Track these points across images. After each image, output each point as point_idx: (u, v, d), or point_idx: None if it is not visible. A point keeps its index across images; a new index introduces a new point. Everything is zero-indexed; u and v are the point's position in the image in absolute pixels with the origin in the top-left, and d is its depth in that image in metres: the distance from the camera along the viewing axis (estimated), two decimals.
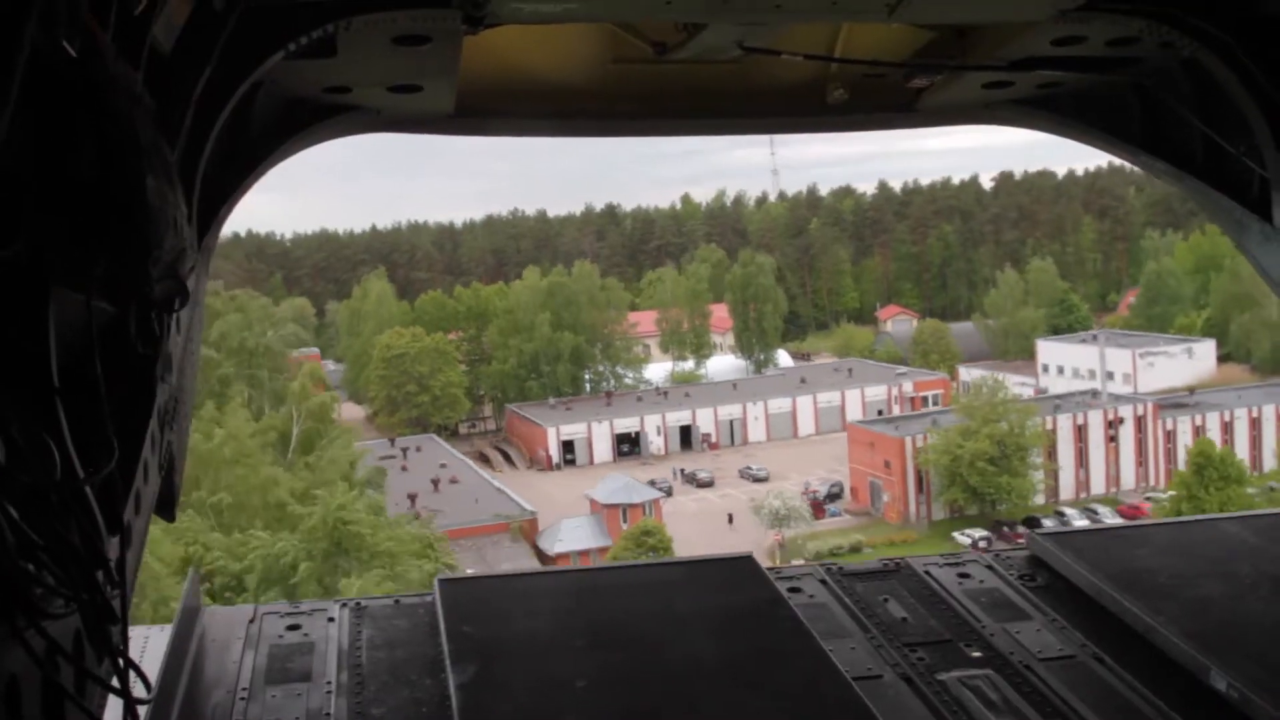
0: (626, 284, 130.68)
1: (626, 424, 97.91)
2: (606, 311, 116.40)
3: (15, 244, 2.19)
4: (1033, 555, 5.86)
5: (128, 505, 2.94)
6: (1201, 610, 5.00)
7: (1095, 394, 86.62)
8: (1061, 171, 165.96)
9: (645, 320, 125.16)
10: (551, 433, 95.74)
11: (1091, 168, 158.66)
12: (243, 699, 4.53)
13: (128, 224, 2.56)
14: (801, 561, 73.21)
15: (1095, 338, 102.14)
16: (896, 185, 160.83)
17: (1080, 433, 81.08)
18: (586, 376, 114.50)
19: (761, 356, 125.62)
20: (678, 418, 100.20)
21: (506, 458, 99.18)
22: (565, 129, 6.13)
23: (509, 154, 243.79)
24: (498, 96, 5.66)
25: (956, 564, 5.79)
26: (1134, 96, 5.78)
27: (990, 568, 5.74)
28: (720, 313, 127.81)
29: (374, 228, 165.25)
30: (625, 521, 67.73)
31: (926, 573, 5.68)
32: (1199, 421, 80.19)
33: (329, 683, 4.62)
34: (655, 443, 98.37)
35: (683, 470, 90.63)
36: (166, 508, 3.84)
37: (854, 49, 5.62)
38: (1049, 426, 79.22)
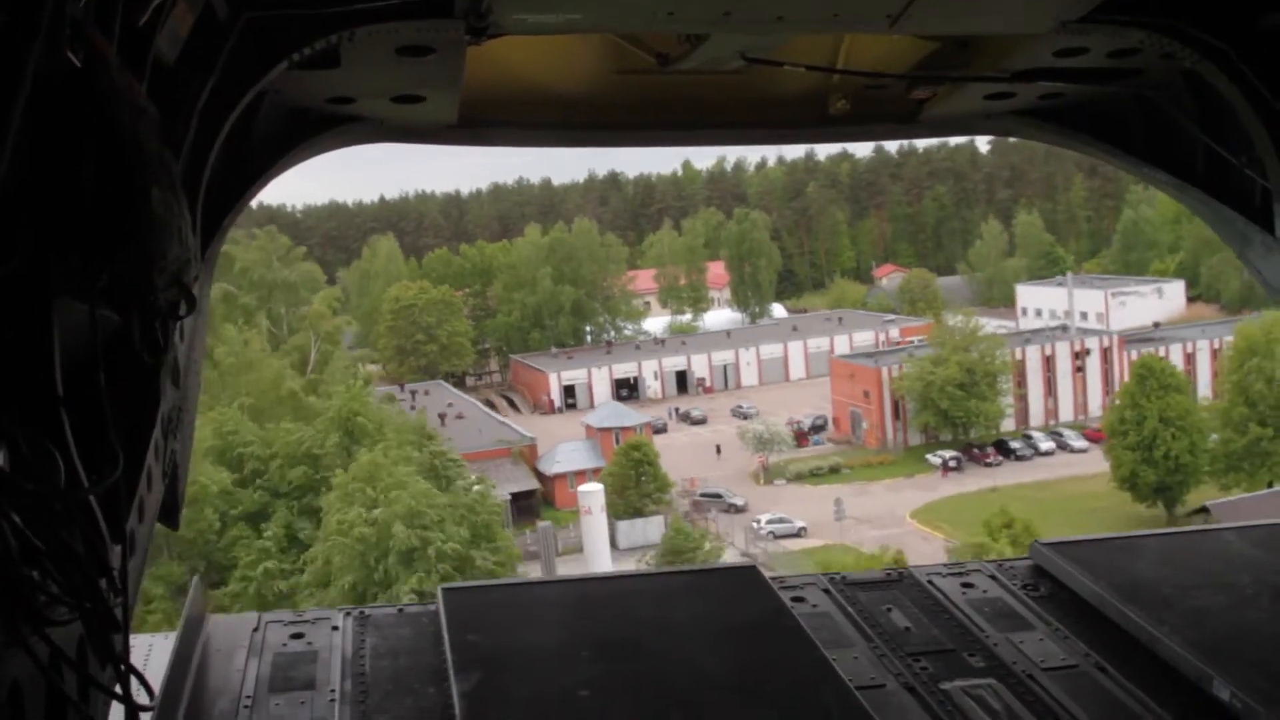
0: (629, 247, 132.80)
1: (625, 369, 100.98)
2: (606, 266, 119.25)
3: (19, 254, 2.22)
4: (1036, 565, 5.85)
5: (131, 513, 2.95)
6: (1204, 620, 4.99)
7: (1064, 329, 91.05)
8: None
9: (644, 278, 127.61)
10: (553, 378, 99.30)
11: None
12: (246, 707, 4.53)
13: (132, 234, 2.56)
14: (783, 481, 79.00)
15: (1069, 280, 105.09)
16: (893, 149, 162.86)
17: (1049, 363, 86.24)
18: (588, 329, 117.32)
19: (757, 309, 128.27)
20: (674, 363, 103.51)
21: (511, 404, 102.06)
22: (568, 139, 6.11)
23: None
24: (500, 107, 5.65)
25: (960, 573, 5.81)
26: (1135, 108, 5.73)
27: (993, 577, 5.75)
28: (717, 270, 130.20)
29: (382, 198, 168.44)
30: (618, 444, 71.24)
31: (929, 582, 5.68)
32: (1162, 353, 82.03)
33: (333, 691, 4.62)
34: (653, 387, 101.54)
35: (677, 410, 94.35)
36: (170, 515, 3.83)
37: (856, 60, 5.59)
38: (1019, 357, 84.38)
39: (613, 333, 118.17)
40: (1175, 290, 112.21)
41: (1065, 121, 5.95)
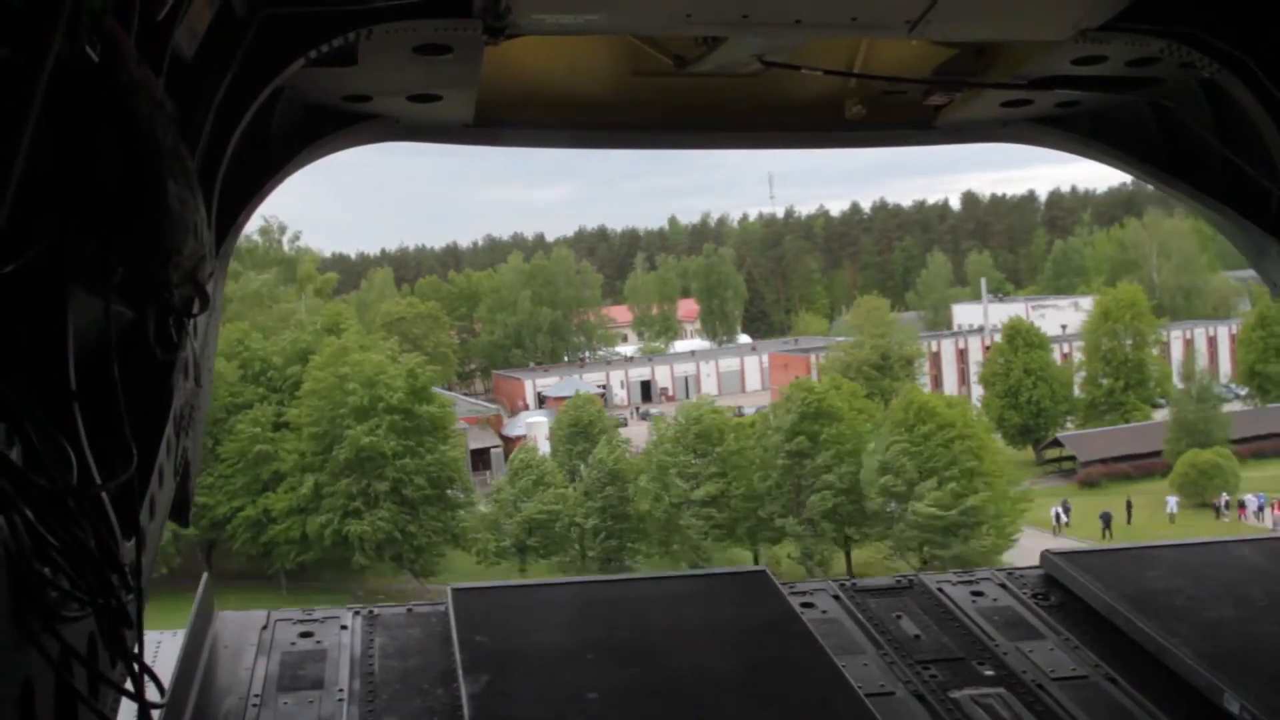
0: (609, 281, 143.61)
1: (595, 378, 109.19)
2: (582, 291, 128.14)
3: (35, 248, 2.17)
4: (1046, 574, 5.80)
5: (143, 510, 2.87)
6: (1215, 632, 4.96)
7: (980, 330, 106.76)
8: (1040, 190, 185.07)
9: (621, 312, 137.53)
10: (529, 384, 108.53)
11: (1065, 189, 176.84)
12: (255, 705, 4.49)
13: (148, 228, 2.53)
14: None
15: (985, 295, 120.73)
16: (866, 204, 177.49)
17: (962, 355, 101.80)
18: (565, 352, 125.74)
19: (724, 338, 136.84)
20: (640, 374, 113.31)
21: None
22: (584, 140, 6.11)
23: (511, 180, 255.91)
24: (517, 107, 5.60)
25: (969, 581, 5.78)
26: (1152, 117, 5.66)
27: (1004, 586, 5.71)
28: (689, 306, 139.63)
29: (383, 250, 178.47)
30: None
31: (939, 590, 5.64)
32: (1065, 349, 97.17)
33: (341, 690, 4.60)
34: (619, 395, 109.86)
35: (638, 409, 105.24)
36: (181, 512, 3.78)
37: (873, 65, 5.54)
38: (934, 349, 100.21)
39: (588, 353, 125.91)
40: (1089, 304, 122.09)
41: (1082, 130, 5.89)
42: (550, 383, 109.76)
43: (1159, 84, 5.25)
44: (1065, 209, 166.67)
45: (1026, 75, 5.22)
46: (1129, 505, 70.31)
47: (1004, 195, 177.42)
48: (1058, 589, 5.66)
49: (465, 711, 4.23)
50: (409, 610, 5.37)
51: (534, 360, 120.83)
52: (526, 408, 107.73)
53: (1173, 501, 69.73)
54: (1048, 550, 6.02)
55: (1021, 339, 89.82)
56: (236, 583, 60.67)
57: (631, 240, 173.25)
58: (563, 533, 65.95)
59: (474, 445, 79.12)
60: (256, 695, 4.57)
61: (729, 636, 4.99)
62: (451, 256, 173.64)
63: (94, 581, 2.16)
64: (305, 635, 5.07)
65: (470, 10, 4.11)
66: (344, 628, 5.13)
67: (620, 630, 5.04)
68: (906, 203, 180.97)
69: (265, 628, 5.11)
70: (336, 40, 4.12)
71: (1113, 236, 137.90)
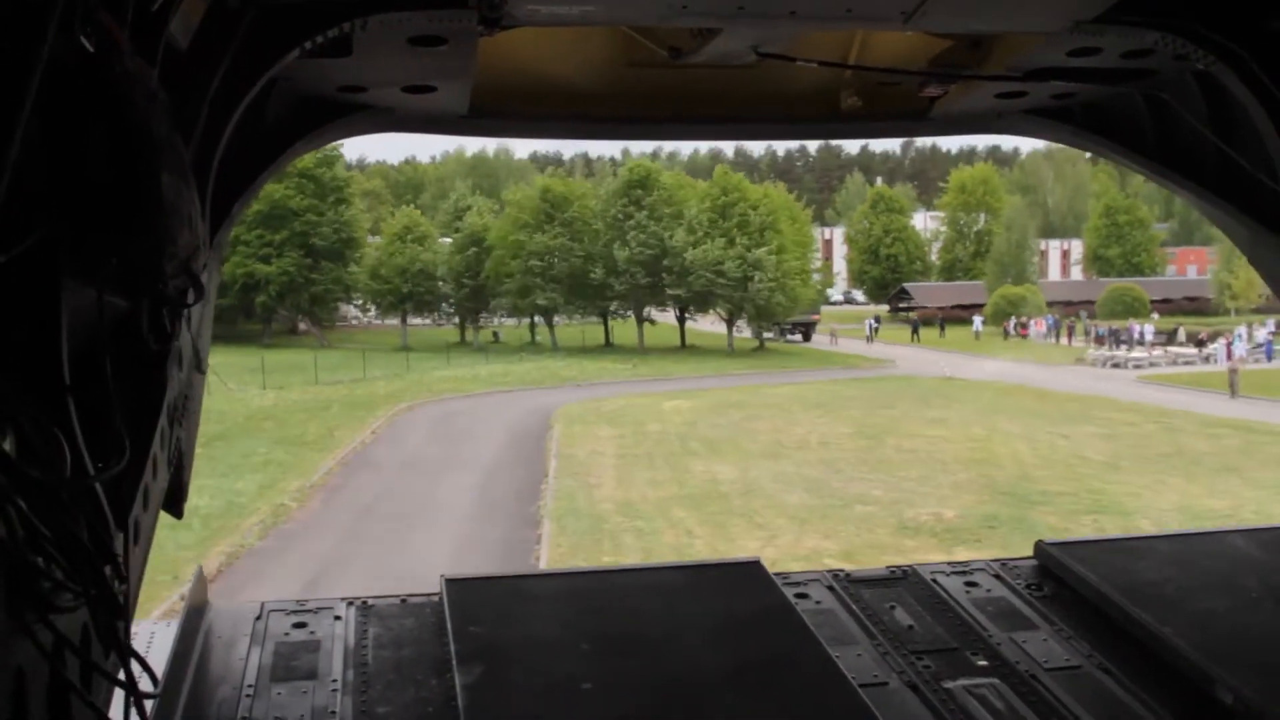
0: None
1: None
2: None
3: (29, 239, 2.16)
4: (1040, 565, 5.81)
5: (136, 501, 2.88)
6: (1209, 622, 4.97)
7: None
8: None
9: None
10: None
11: None
12: (248, 696, 4.50)
13: (142, 220, 2.53)
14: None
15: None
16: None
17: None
18: None
19: None
20: None
21: None
22: (578, 131, 6.16)
23: None
24: (512, 98, 5.63)
25: (964, 572, 5.82)
26: (1147, 108, 5.66)
27: (998, 576, 5.74)
28: None
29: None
30: None
31: (933, 580, 5.67)
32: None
33: (335, 681, 4.61)
34: None
35: None
36: (175, 504, 3.80)
37: (869, 56, 5.55)
38: (826, 237, 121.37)
39: None
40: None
41: (1076, 121, 5.94)
42: None
43: (1153, 76, 5.28)
44: (999, 159, 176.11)
45: (1021, 67, 5.25)
46: (941, 323, 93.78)
47: (948, 150, 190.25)
48: (1051, 579, 5.68)
49: (459, 702, 4.23)
50: (403, 601, 5.38)
51: None
52: None
53: (978, 322, 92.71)
54: (1041, 540, 6.04)
55: (884, 204, 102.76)
56: None
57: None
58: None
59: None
60: (250, 686, 4.57)
61: (723, 627, 5.01)
62: None
63: (87, 572, 2.16)
64: (299, 625, 5.08)
65: (465, 1, 4.10)
66: (338, 618, 5.14)
67: (614, 621, 5.08)
68: (853, 148, 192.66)
69: (259, 618, 5.14)
70: (331, 31, 4.11)
71: (1017, 166, 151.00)
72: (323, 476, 34.85)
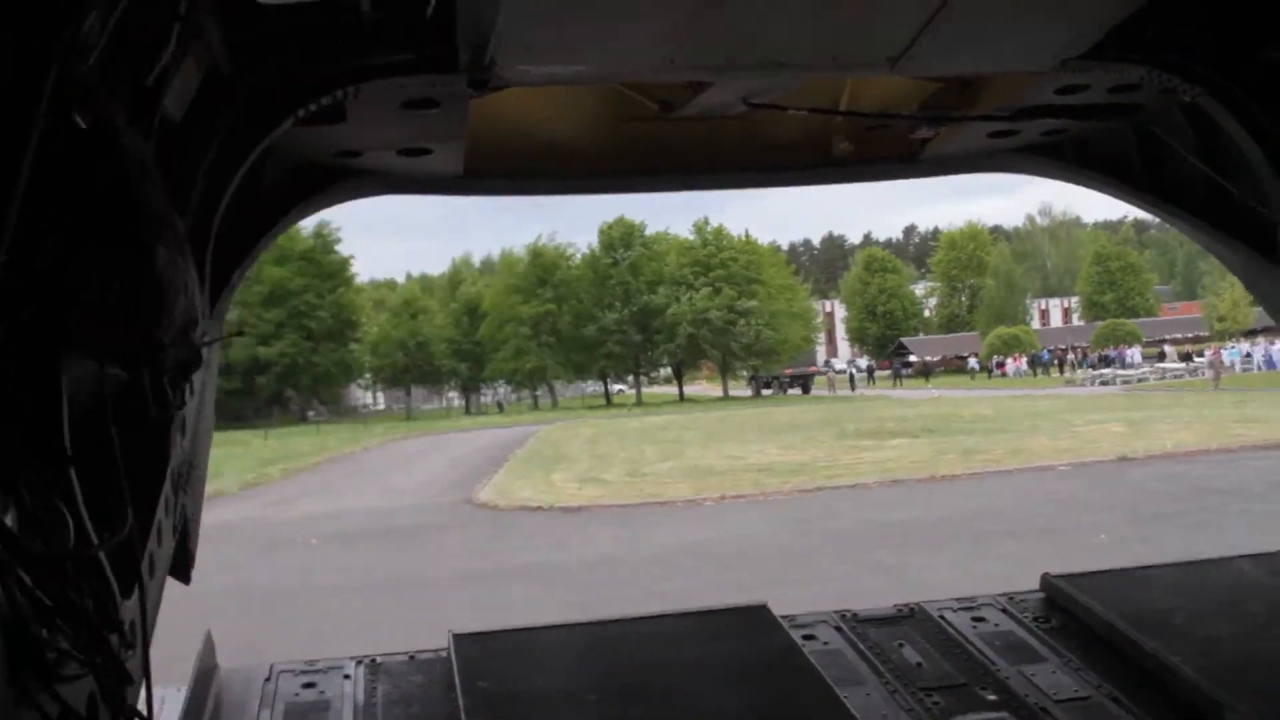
0: None
1: None
2: None
3: (26, 312, 2.21)
4: (1047, 597, 5.80)
5: (142, 568, 2.89)
6: (1217, 650, 4.95)
7: None
8: None
9: None
10: None
11: None
12: None
13: (139, 294, 2.56)
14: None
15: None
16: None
17: None
18: None
19: None
20: None
21: None
22: (572, 188, 6.20)
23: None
24: (506, 157, 5.68)
25: (970, 607, 5.81)
26: (1136, 141, 5.72)
27: (1004, 610, 5.73)
28: None
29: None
30: None
31: (940, 617, 5.67)
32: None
33: None
34: None
35: None
36: (182, 570, 3.83)
37: (858, 102, 5.59)
38: (827, 309, 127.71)
39: None
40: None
41: (1068, 157, 5.98)
42: None
43: (1142, 110, 5.31)
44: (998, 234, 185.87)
45: (1011, 106, 5.29)
46: (927, 371, 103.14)
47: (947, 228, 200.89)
48: (1058, 611, 5.66)
49: None
50: (411, 658, 5.39)
51: None
52: None
53: (974, 362, 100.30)
54: (1047, 573, 6.01)
55: (877, 264, 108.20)
56: None
57: None
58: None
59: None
60: None
61: (732, 672, 5.00)
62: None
63: (92, 641, 2.17)
64: (308, 686, 5.08)
65: (456, 65, 4.13)
66: (346, 677, 5.14)
67: (622, 670, 5.06)
68: (856, 238, 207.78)
69: (268, 679, 5.12)
70: (325, 99, 4.14)
71: (1015, 235, 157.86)
72: None
